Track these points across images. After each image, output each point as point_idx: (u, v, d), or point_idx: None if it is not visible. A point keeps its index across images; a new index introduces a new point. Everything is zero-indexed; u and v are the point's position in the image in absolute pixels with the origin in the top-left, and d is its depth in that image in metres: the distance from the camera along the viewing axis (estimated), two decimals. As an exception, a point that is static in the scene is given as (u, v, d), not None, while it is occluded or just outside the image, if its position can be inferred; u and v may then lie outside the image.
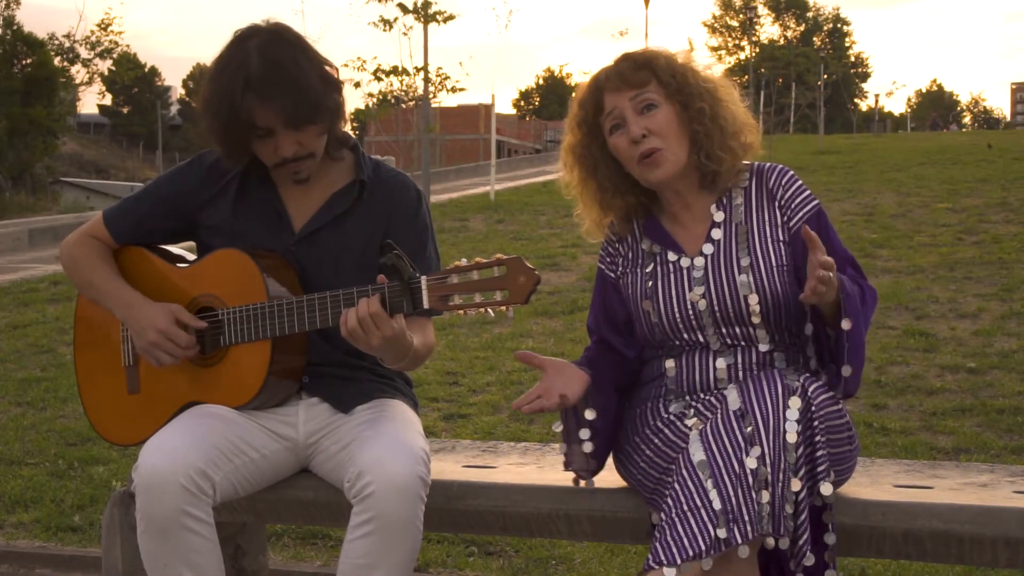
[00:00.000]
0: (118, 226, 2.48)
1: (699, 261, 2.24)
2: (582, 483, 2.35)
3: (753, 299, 2.18)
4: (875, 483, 2.32)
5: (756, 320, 2.19)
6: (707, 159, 2.23)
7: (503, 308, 2.03)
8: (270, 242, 2.39)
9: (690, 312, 2.21)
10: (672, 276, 2.25)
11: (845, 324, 2.07)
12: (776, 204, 2.25)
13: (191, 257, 2.50)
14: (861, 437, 4.32)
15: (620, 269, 2.35)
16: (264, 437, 2.33)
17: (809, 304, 2.10)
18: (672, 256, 2.27)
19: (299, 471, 2.44)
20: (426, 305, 2.07)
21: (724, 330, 2.21)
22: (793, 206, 2.24)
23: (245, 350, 2.29)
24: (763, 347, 2.21)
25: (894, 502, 2.17)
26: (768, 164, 2.30)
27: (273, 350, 2.27)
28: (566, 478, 2.44)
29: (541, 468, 2.56)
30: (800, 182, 2.27)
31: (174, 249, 2.52)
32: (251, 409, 2.33)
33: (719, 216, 2.27)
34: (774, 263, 2.20)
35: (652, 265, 2.29)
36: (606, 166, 2.30)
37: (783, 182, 2.26)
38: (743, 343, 2.21)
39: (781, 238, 2.23)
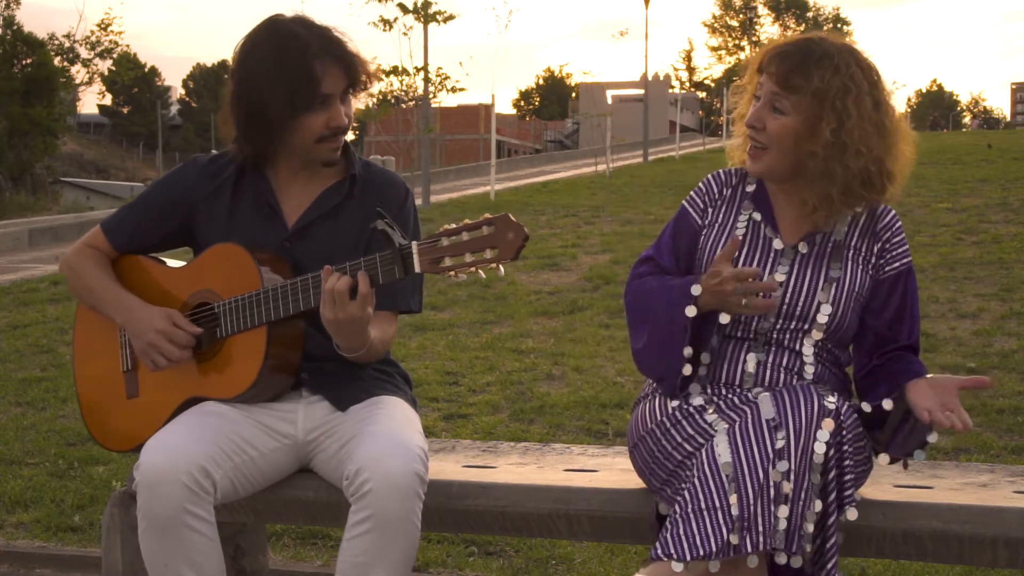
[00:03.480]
0: (116, 234, 2.50)
1: (789, 252, 2.25)
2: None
3: (826, 309, 2.20)
4: (875, 483, 2.32)
5: (819, 331, 2.20)
6: (818, 201, 2.19)
7: (493, 266, 2.04)
8: (264, 237, 2.41)
9: (762, 292, 2.20)
10: (760, 250, 2.26)
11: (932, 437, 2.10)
12: (878, 244, 2.26)
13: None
14: (861, 437, 4.32)
15: (708, 219, 2.33)
16: (264, 436, 2.33)
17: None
18: (768, 232, 2.28)
19: (299, 470, 2.44)
20: (417, 269, 2.08)
21: (780, 323, 2.22)
22: (894, 254, 2.26)
23: (241, 340, 2.30)
24: (807, 356, 2.20)
25: (894, 502, 2.18)
26: (884, 206, 2.29)
27: (269, 338, 2.28)
28: (566, 478, 2.44)
29: (541, 468, 2.56)
30: (904, 234, 2.29)
31: (169, 261, 2.54)
32: (248, 400, 2.33)
33: (824, 224, 2.25)
34: (856, 287, 2.23)
35: (745, 230, 2.28)
36: None
37: (893, 227, 2.27)
38: (787, 344, 2.22)
39: (870, 272, 2.25)
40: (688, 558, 1.90)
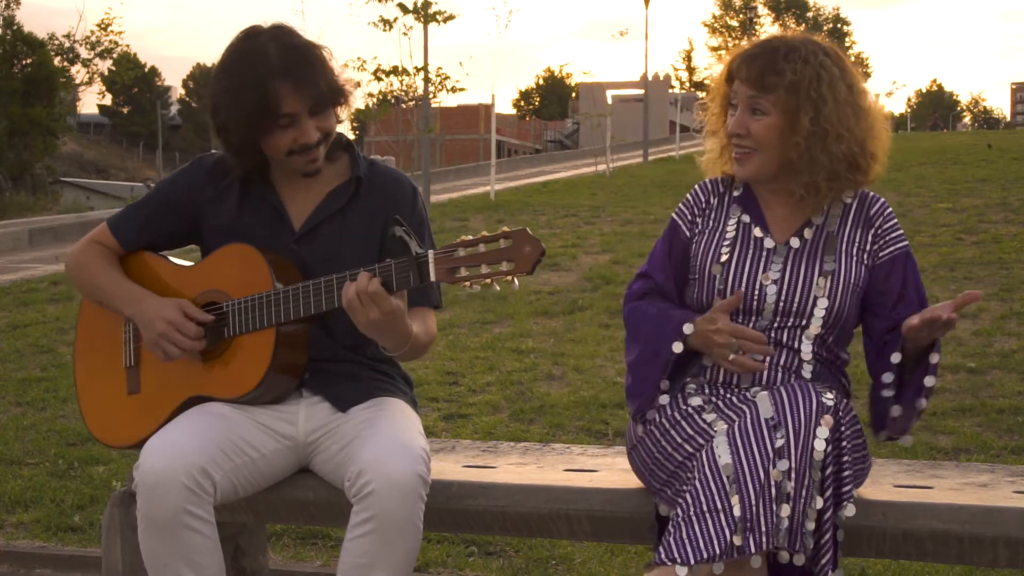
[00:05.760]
0: (123, 231, 2.50)
1: (782, 249, 2.25)
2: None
3: (822, 303, 2.20)
4: (875, 483, 2.32)
5: (816, 326, 2.20)
6: (804, 189, 2.23)
7: (509, 278, 2.04)
8: (271, 241, 2.41)
9: (756, 292, 2.22)
10: (752, 251, 2.27)
11: (934, 358, 2.13)
12: (871, 231, 2.28)
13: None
14: (861, 437, 4.33)
15: (698, 228, 2.34)
16: (264, 437, 2.33)
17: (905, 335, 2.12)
18: (758, 233, 2.28)
19: (299, 471, 2.44)
20: (433, 278, 2.08)
21: (778, 321, 2.22)
22: (888, 239, 2.27)
23: (248, 340, 2.31)
24: (806, 354, 2.21)
25: (894, 502, 2.18)
26: (873, 194, 2.32)
27: (277, 340, 2.28)
28: (566, 478, 2.44)
29: (541, 468, 2.56)
30: (897, 220, 2.30)
31: (177, 260, 2.54)
32: (250, 400, 2.33)
33: (817, 219, 2.27)
34: (852, 280, 2.23)
35: (735, 233, 2.29)
36: None
37: (884, 213, 2.30)
38: (785, 343, 2.22)
39: (865, 262, 2.25)
40: (692, 562, 1.90)
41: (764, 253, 2.26)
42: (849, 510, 1.99)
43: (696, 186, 2.39)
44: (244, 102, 2.28)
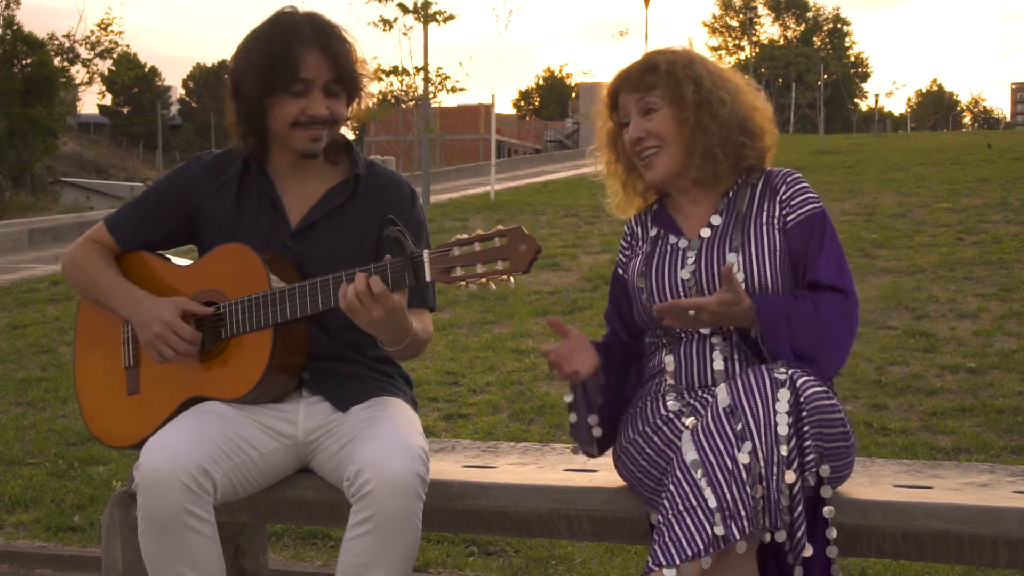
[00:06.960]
0: (120, 230, 2.50)
1: (695, 243, 2.32)
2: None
3: (740, 276, 2.22)
4: (875, 483, 2.33)
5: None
6: (702, 161, 2.30)
7: (504, 278, 2.05)
8: (268, 237, 2.41)
9: (679, 289, 2.27)
10: (668, 256, 2.34)
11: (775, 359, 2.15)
12: (777, 199, 2.32)
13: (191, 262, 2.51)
14: (861, 437, 4.32)
15: (628, 259, 2.44)
16: (264, 436, 2.33)
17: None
18: (672, 239, 2.36)
19: (299, 471, 2.44)
20: (428, 277, 2.09)
21: None
22: (793, 204, 2.30)
23: (246, 341, 2.30)
24: (755, 333, 2.21)
25: (894, 502, 2.18)
26: (780, 168, 2.37)
27: (275, 340, 2.28)
28: (566, 478, 2.44)
29: (541, 468, 2.56)
30: (805, 184, 2.34)
31: (174, 258, 2.54)
32: (250, 401, 2.33)
33: (722, 205, 2.34)
34: (766, 246, 2.26)
35: (653, 247, 2.37)
36: (626, 153, 2.42)
37: (787, 180, 2.34)
38: (733, 331, 2.23)
39: (776, 226, 2.29)
40: (678, 562, 1.91)
41: (679, 253, 2.33)
42: (818, 472, 1.99)
43: (625, 226, 2.50)
44: (265, 58, 2.33)
